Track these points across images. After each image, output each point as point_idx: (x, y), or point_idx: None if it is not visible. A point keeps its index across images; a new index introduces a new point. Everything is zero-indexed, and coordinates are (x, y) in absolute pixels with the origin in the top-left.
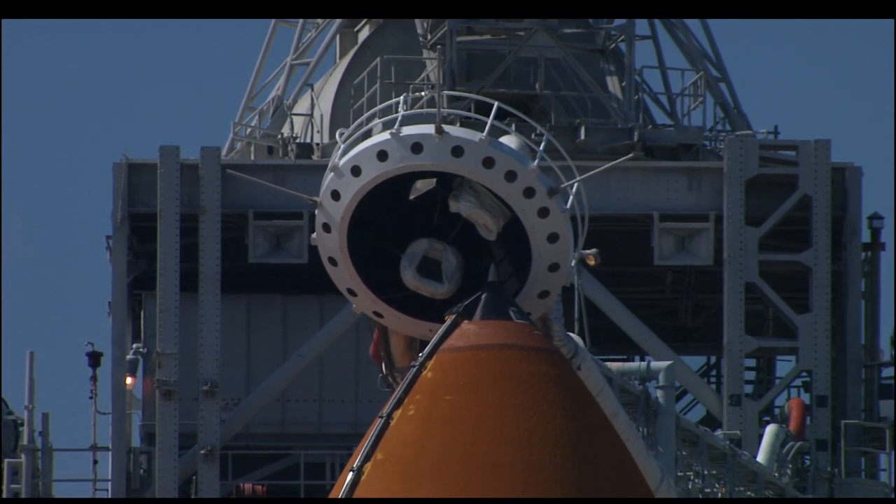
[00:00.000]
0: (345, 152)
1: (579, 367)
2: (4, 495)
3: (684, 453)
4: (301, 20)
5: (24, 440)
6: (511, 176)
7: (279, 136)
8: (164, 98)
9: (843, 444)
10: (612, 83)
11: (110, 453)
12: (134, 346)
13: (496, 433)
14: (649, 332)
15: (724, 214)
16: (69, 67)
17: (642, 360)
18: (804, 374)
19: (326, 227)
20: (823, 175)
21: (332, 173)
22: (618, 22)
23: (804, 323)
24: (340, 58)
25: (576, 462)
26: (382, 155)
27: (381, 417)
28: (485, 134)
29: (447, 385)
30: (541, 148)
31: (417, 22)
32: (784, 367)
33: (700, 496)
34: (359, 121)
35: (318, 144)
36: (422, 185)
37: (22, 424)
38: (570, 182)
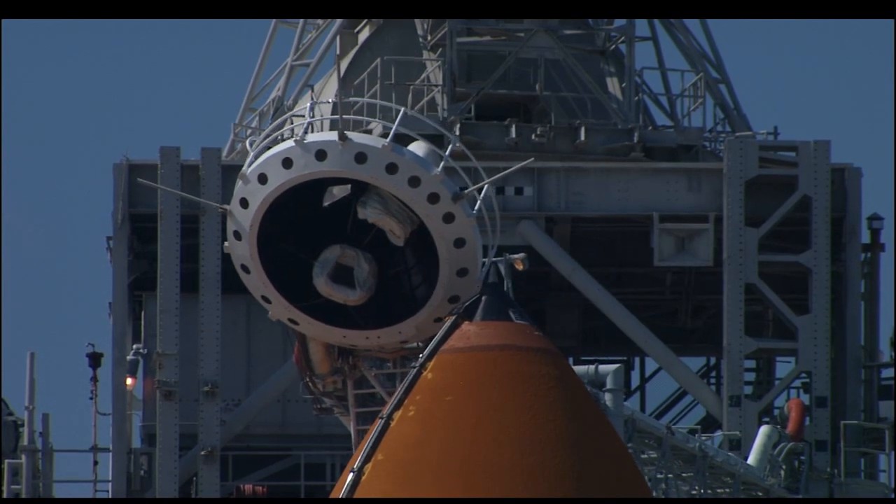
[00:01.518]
0: (253, 161)
1: None
2: (5, 496)
3: (652, 454)
4: (301, 21)
5: (25, 441)
6: (415, 181)
7: (279, 137)
8: (164, 99)
9: (842, 445)
10: (612, 84)
11: (111, 454)
12: (134, 346)
13: (496, 434)
14: (649, 333)
15: (723, 215)
16: (70, 68)
17: (642, 361)
18: (804, 374)
19: (237, 235)
20: (823, 176)
21: (241, 181)
22: (618, 23)
23: (804, 324)
24: (340, 58)
25: (575, 463)
26: (287, 162)
27: (382, 418)
28: (388, 140)
29: (447, 386)
30: (447, 153)
31: (417, 23)
32: (784, 368)
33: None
34: (269, 128)
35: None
36: (338, 192)
37: (22, 425)
38: (478, 186)
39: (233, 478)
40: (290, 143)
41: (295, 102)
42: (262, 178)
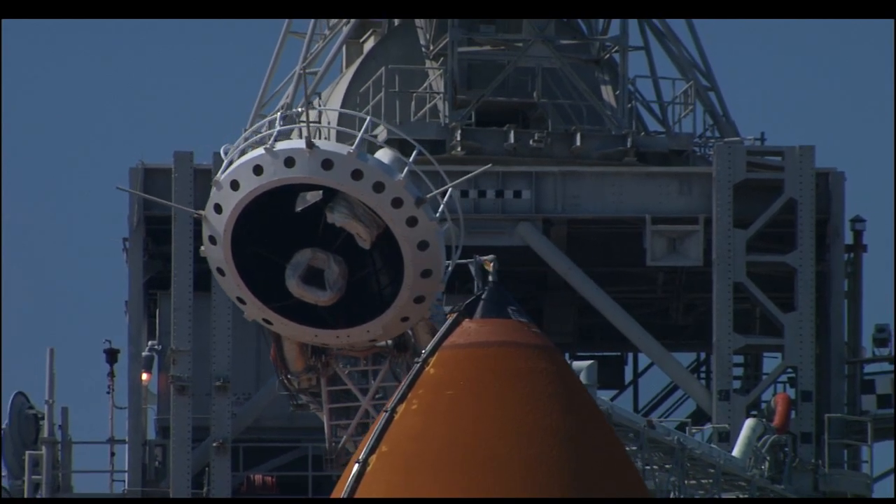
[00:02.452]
0: (226, 168)
1: None
2: (26, 486)
3: (632, 448)
4: (309, 31)
5: (45, 433)
6: (379, 187)
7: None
8: (178, 105)
9: (826, 437)
10: (607, 92)
11: (127, 446)
12: (149, 343)
13: (496, 427)
14: (642, 330)
15: (713, 217)
16: (88, 73)
17: (635, 357)
18: (790, 370)
19: (212, 240)
20: (808, 180)
21: (214, 188)
22: (612, 33)
23: (790, 321)
24: (347, 67)
25: (572, 455)
26: (258, 169)
27: (386, 412)
28: (353, 148)
29: (449, 381)
30: (410, 160)
31: (420, 33)
32: (770, 363)
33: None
34: (241, 137)
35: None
36: (311, 197)
37: (42, 418)
38: (440, 189)
39: (243, 468)
40: (260, 150)
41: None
42: (235, 185)
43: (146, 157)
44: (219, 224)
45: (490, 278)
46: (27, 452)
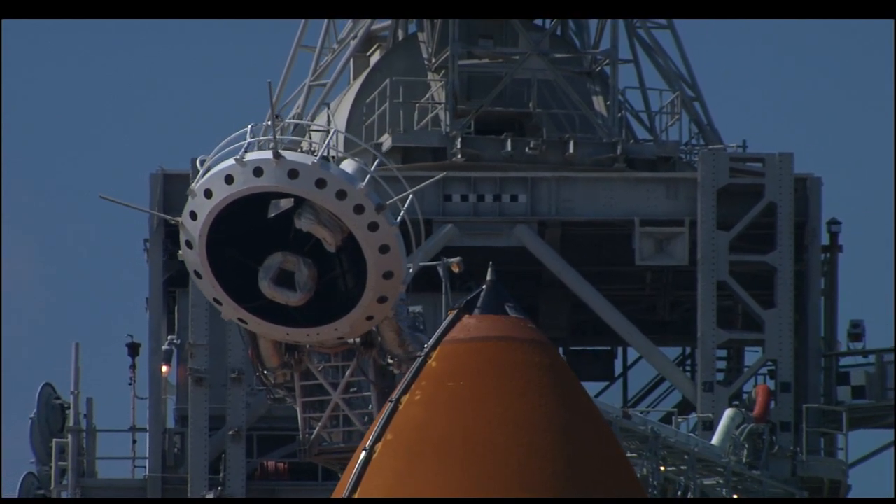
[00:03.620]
0: (201, 178)
1: None
2: (53, 471)
3: None
4: (318, 45)
5: (71, 422)
6: (342, 195)
7: (298, 150)
8: (197, 113)
9: (804, 426)
10: (598, 102)
11: (147, 434)
12: (169, 337)
13: (494, 416)
14: (631, 326)
15: (697, 220)
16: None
17: (625, 350)
18: (770, 362)
19: (189, 245)
20: (787, 184)
21: (190, 196)
22: (603, 47)
23: (770, 317)
24: (354, 79)
25: (565, 442)
26: (229, 178)
27: (391, 402)
28: (317, 158)
29: (450, 373)
30: (372, 168)
31: (423, 46)
32: (752, 356)
33: None
34: (217, 148)
35: (334, 157)
36: (284, 204)
37: (68, 408)
38: (401, 196)
39: (257, 455)
40: (231, 161)
41: (313, 118)
42: (208, 193)
43: (166, 161)
44: (194, 230)
45: (454, 278)
46: (54, 440)
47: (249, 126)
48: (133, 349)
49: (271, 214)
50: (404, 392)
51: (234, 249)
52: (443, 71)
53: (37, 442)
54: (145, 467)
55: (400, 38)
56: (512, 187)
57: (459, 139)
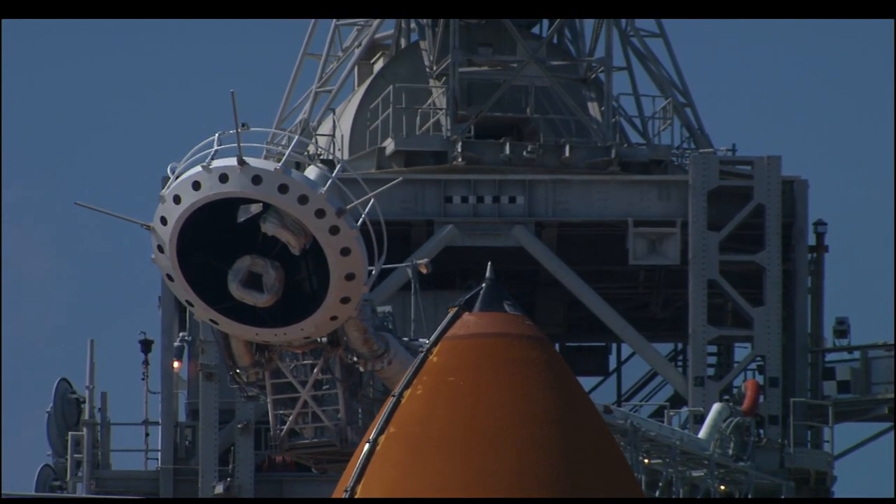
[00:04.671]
0: (171, 184)
1: (390, 362)
2: (69, 463)
3: None
4: (324, 53)
5: (86, 415)
6: (303, 199)
7: (305, 154)
8: (210, 119)
9: (791, 419)
10: (593, 108)
11: (160, 427)
12: (180, 334)
13: (493, 409)
14: (625, 323)
15: (689, 221)
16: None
17: (619, 346)
18: (758, 358)
19: (161, 249)
20: (775, 187)
21: (160, 202)
22: (598, 55)
23: (758, 314)
24: (358, 86)
25: (561, 434)
26: (196, 185)
27: (394, 396)
28: (280, 164)
29: (450, 368)
30: (334, 174)
31: (424, 54)
32: (741, 352)
33: None
34: (188, 155)
35: (339, 160)
36: (254, 209)
37: (84, 402)
38: (361, 199)
39: (264, 448)
40: (198, 168)
41: (319, 124)
42: (177, 199)
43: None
44: (165, 234)
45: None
46: (70, 433)
47: (217, 134)
48: (146, 346)
49: (241, 219)
50: (406, 386)
51: (205, 253)
52: (444, 78)
53: (53, 435)
54: (157, 459)
55: (402, 46)
56: (510, 189)
57: (460, 143)
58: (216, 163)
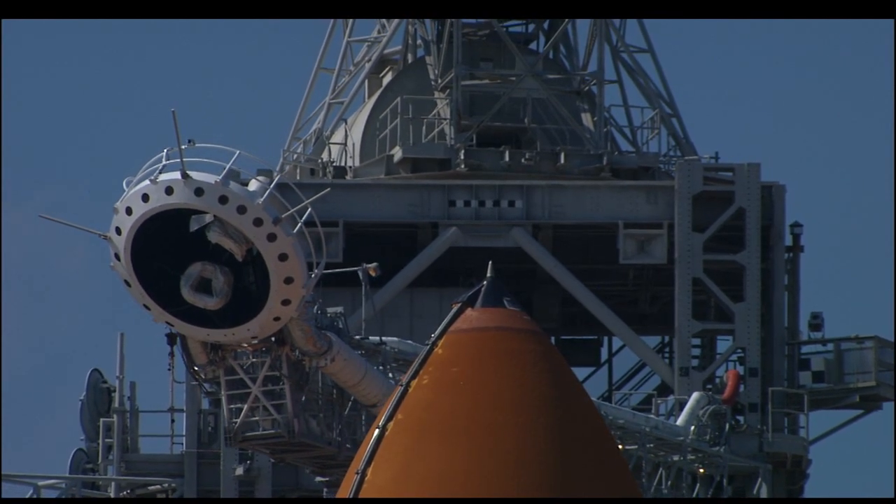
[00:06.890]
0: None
1: (333, 360)
2: (100, 447)
3: None
4: (337, 67)
5: (116, 403)
6: (242, 209)
7: (319, 161)
8: (230, 130)
9: (770, 407)
10: (586, 118)
11: (185, 414)
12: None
13: (494, 398)
14: (615, 317)
15: (675, 223)
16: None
17: (610, 340)
18: (739, 350)
19: (117, 257)
20: (755, 192)
21: (115, 213)
22: (591, 69)
23: (739, 310)
24: (368, 98)
25: (557, 421)
26: (146, 197)
27: (402, 386)
28: (220, 177)
29: (454, 359)
30: (271, 186)
31: (430, 68)
32: (723, 345)
33: None
34: (145, 166)
35: (350, 167)
36: (208, 219)
37: (114, 391)
38: (297, 207)
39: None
40: (147, 182)
41: (332, 133)
42: (129, 211)
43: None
44: (119, 244)
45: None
46: (101, 420)
47: (165, 150)
48: (171, 339)
49: (193, 228)
50: (413, 377)
51: (159, 260)
52: (448, 90)
53: (86, 421)
54: (182, 444)
55: (410, 61)
56: (509, 194)
57: (462, 151)
58: (163, 176)
